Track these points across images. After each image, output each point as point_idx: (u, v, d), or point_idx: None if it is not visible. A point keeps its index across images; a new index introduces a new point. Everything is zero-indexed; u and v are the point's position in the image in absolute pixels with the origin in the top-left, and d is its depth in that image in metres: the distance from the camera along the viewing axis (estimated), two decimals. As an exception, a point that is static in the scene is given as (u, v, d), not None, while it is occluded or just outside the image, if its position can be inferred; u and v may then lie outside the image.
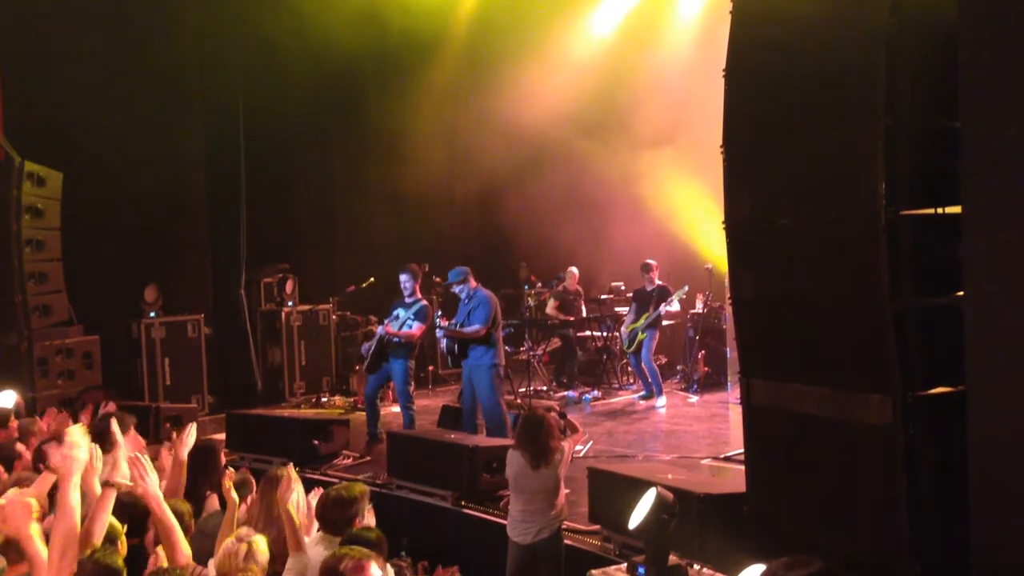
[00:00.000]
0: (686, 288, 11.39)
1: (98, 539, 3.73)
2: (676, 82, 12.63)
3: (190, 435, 5.39)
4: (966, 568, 3.96)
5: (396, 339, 9.27)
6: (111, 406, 7.27)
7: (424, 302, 9.49)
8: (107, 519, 3.84)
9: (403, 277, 9.52)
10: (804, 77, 4.69)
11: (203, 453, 6.15)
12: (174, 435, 5.61)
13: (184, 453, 5.36)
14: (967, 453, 3.94)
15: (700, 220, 12.33)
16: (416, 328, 9.29)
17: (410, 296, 9.46)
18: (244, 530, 4.33)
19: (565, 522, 6.52)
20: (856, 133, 4.40)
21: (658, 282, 11.38)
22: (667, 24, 13.50)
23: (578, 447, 8.87)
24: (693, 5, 13.17)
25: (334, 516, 4.66)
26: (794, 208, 4.82)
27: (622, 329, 11.76)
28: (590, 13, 13.96)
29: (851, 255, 4.47)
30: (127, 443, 5.40)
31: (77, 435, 3.73)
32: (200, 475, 5.92)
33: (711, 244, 12.14)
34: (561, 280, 12.18)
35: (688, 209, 12.62)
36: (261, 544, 4.20)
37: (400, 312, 9.39)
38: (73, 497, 3.51)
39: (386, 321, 9.47)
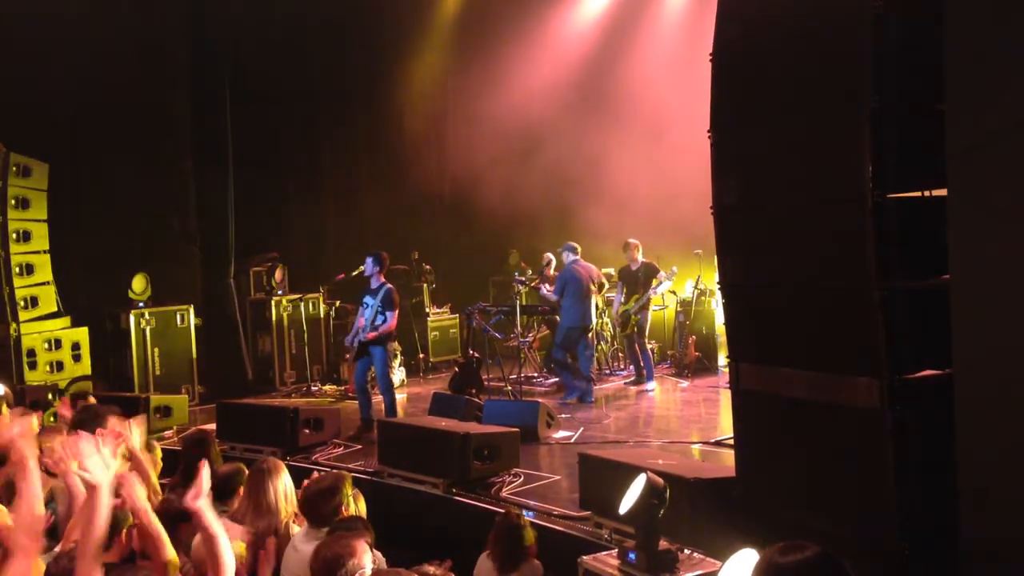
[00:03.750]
0: (675, 269, 11.40)
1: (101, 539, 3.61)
2: (663, 66, 12.61)
3: (134, 429, 5.24)
4: (954, 547, 3.99)
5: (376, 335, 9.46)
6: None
7: (389, 286, 9.63)
8: (101, 519, 3.71)
9: (368, 261, 9.70)
10: (791, 61, 4.69)
11: (196, 445, 6.12)
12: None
13: (134, 446, 5.20)
14: (954, 435, 3.95)
15: (690, 204, 12.32)
16: (391, 318, 9.48)
17: (375, 280, 9.63)
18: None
19: (556, 508, 6.56)
20: (843, 116, 4.40)
21: (642, 259, 11.39)
22: (655, 8, 13.47)
23: (568, 433, 8.93)
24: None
25: (318, 508, 4.65)
26: (782, 192, 4.83)
27: (614, 312, 11.78)
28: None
29: (838, 239, 4.47)
30: (107, 436, 5.33)
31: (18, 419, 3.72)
32: (194, 468, 5.88)
33: (701, 229, 12.13)
34: (548, 265, 12.18)
35: (678, 193, 12.61)
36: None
37: (368, 300, 9.59)
38: (34, 480, 3.45)
39: (360, 312, 9.68)
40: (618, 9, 13.71)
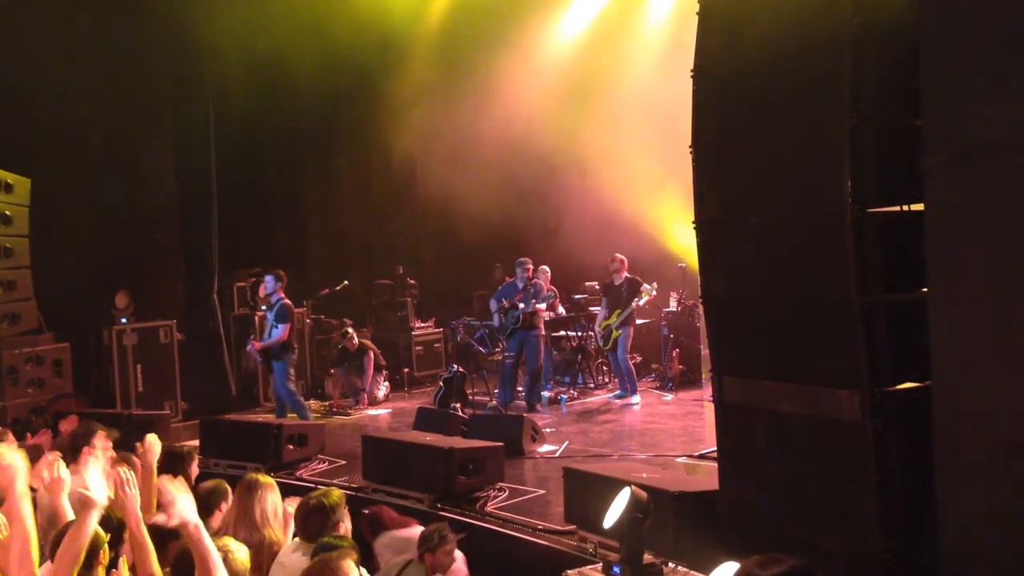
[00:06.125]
0: (654, 284, 11.43)
1: (80, 555, 3.62)
2: (646, 82, 12.69)
3: (154, 443, 5.33)
4: (935, 556, 4.02)
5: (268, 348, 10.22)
6: (72, 419, 7.15)
7: (284, 301, 10.24)
8: (88, 536, 3.71)
9: (268, 279, 10.45)
10: (771, 77, 4.74)
11: (173, 460, 6.08)
12: (138, 445, 5.55)
13: (152, 460, 5.30)
14: (933, 446, 3.99)
15: (673, 218, 12.40)
16: (282, 330, 10.10)
17: (274, 296, 10.33)
18: (224, 539, 4.30)
19: (540, 522, 6.56)
20: (822, 131, 4.45)
21: (626, 275, 11.42)
22: (637, 25, 13.56)
23: (553, 447, 8.94)
24: (662, 6, 13.25)
25: (316, 524, 4.63)
26: (763, 206, 4.87)
27: (596, 327, 11.81)
28: (561, 14, 14.02)
29: (819, 252, 4.52)
30: (100, 455, 5.34)
31: (3, 448, 3.73)
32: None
33: (684, 242, 12.22)
34: (541, 274, 12.19)
35: (661, 208, 12.70)
36: (239, 553, 4.16)
37: (269, 315, 10.35)
38: (23, 506, 3.48)
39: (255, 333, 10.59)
40: (600, 28, 13.79)
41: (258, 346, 10.31)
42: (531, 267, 11.50)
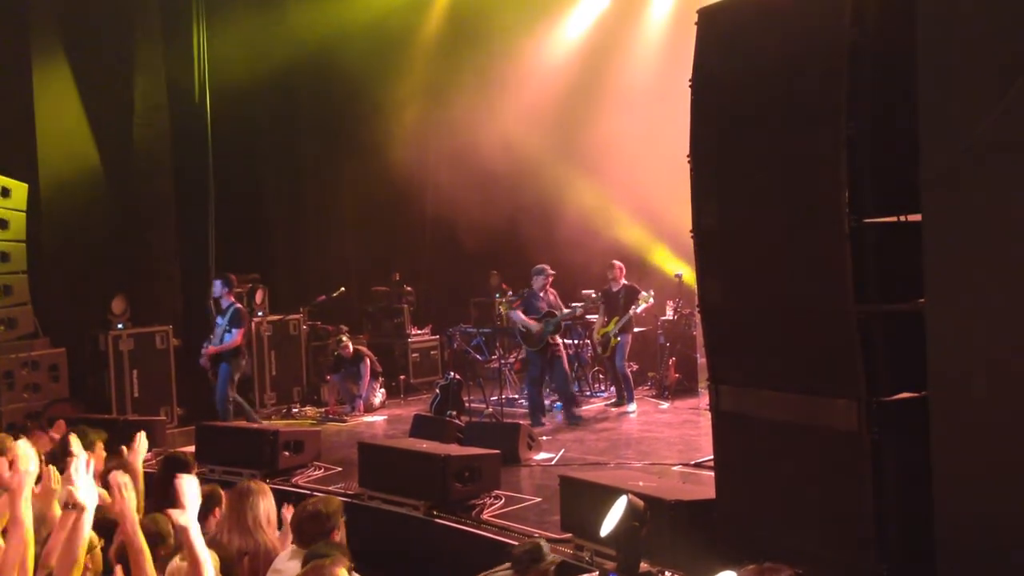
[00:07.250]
0: (651, 292, 11.43)
1: (79, 560, 3.60)
2: (644, 90, 12.72)
3: (140, 443, 5.34)
4: (932, 568, 4.02)
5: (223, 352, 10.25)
6: (61, 424, 7.14)
7: (237, 305, 10.33)
8: (83, 540, 3.70)
9: (216, 283, 10.45)
10: (769, 86, 4.76)
11: (176, 466, 6.06)
12: (124, 448, 5.55)
13: (138, 462, 5.30)
14: (930, 457, 4.00)
15: (671, 226, 12.40)
16: (236, 334, 10.19)
17: (224, 301, 10.38)
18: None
19: (537, 530, 6.55)
20: (820, 141, 4.47)
21: (623, 282, 11.42)
22: (635, 35, 13.60)
23: (549, 455, 8.93)
24: (660, 15, 13.29)
25: (311, 531, 4.62)
26: (760, 216, 4.88)
27: (594, 334, 11.81)
28: (561, 20, 14.06)
29: (816, 262, 4.53)
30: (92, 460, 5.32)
31: (24, 449, 3.72)
32: (171, 490, 5.84)
33: (681, 251, 12.22)
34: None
35: (660, 215, 12.70)
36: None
37: (219, 320, 10.37)
38: (26, 513, 3.48)
39: (211, 337, 10.43)
40: (597, 37, 13.81)
41: (211, 350, 10.30)
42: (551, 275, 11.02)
